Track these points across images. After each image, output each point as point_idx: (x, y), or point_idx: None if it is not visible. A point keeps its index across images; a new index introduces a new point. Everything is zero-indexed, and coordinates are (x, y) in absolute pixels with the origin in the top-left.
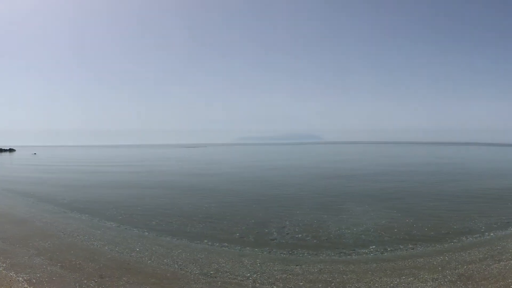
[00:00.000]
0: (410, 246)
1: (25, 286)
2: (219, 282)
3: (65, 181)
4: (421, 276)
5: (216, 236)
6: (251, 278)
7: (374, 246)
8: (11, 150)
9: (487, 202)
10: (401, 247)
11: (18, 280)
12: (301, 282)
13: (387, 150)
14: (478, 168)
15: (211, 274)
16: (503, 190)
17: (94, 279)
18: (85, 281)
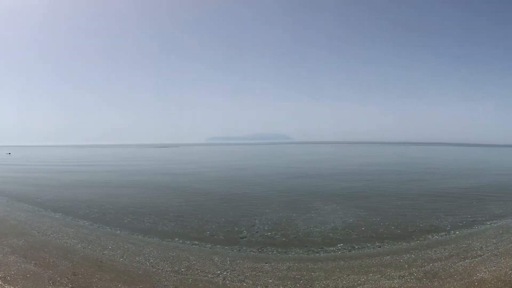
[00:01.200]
0: (377, 244)
1: (0, 283)
2: (190, 279)
3: (39, 181)
4: (388, 273)
5: (187, 234)
6: (221, 276)
7: (341, 244)
8: None
9: (452, 200)
10: (368, 245)
11: None
12: (270, 279)
13: (356, 150)
14: (444, 167)
15: (182, 271)
16: (468, 189)
17: (67, 276)
18: (59, 279)
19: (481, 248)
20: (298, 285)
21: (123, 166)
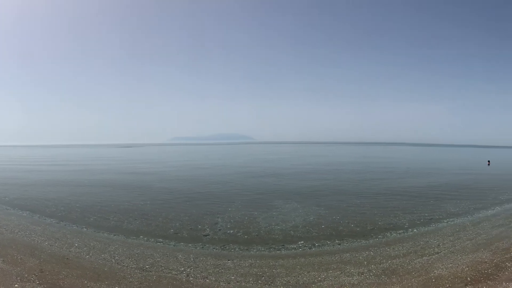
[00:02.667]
0: (337, 241)
1: None
2: (154, 276)
3: (6, 180)
4: (348, 270)
5: (151, 232)
6: (184, 272)
7: (302, 242)
8: None
9: (410, 199)
10: (328, 242)
11: None
12: (233, 276)
13: (316, 150)
14: (402, 167)
15: (146, 268)
16: (425, 188)
17: (34, 273)
18: (26, 275)
19: (438, 245)
20: (259, 281)
21: (88, 166)
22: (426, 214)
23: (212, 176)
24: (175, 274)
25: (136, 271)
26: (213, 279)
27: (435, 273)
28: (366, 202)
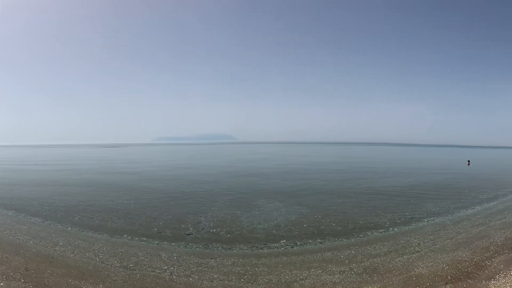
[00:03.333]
0: (318, 240)
1: None
2: (138, 275)
3: None
4: (329, 269)
5: (135, 231)
6: (168, 271)
7: (284, 241)
8: None
9: (391, 198)
10: (310, 241)
11: None
12: (216, 274)
13: (299, 150)
14: (383, 166)
15: (130, 267)
16: (406, 187)
17: (20, 271)
18: (12, 274)
19: (419, 244)
20: (242, 280)
21: (73, 166)
22: (407, 213)
23: (196, 176)
24: (158, 272)
25: (120, 269)
26: (196, 277)
27: (415, 271)
28: (348, 201)
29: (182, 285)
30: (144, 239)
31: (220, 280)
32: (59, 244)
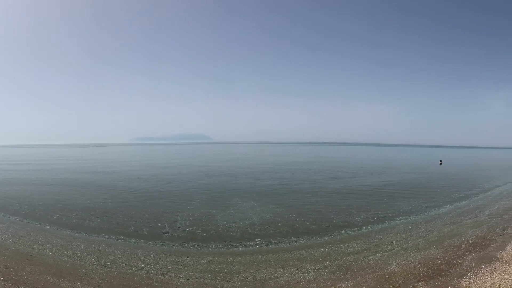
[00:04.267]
0: (293, 239)
1: None
2: (116, 273)
3: None
4: (303, 266)
5: (112, 229)
6: (145, 269)
7: (259, 239)
8: None
9: (364, 197)
10: (285, 239)
11: None
12: (192, 272)
13: (273, 149)
14: (356, 166)
15: (108, 264)
16: (379, 186)
17: None
18: None
19: (392, 242)
20: (218, 277)
21: (51, 165)
22: (380, 212)
23: (172, 175)
24: (135, 270)
25: (97, 267)
26: (173, 275)
27: (388, 269)
28: (322, 200)
29: (159, 282)
30: (121, 237)
31: (196, 278)
32: (38, 243)
